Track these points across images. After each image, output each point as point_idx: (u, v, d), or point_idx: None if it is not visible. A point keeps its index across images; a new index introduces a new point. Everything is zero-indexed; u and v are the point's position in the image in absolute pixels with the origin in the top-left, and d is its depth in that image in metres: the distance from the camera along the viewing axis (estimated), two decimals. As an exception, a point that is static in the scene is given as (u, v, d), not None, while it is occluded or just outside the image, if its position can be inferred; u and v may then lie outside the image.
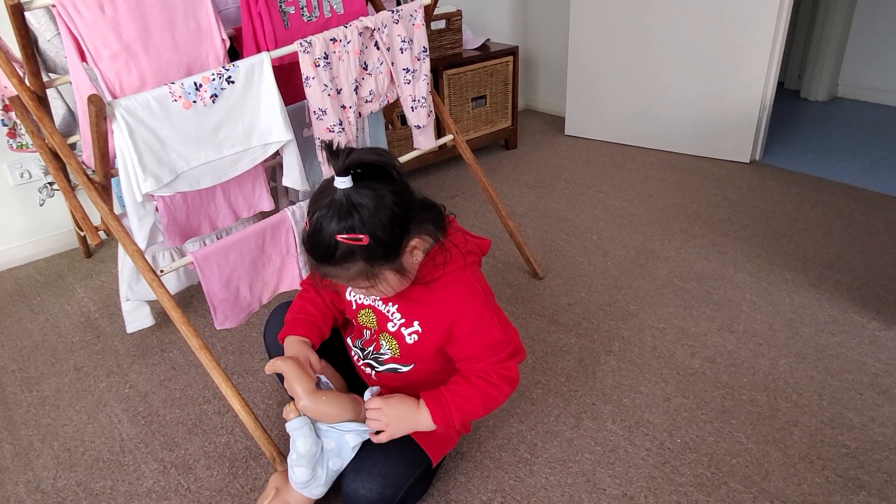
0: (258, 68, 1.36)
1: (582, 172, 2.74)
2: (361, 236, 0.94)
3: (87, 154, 1.36)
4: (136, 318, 1.72)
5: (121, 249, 1.62)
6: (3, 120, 1.74)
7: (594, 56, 2.88)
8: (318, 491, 1.14)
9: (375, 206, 0.95)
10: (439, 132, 2.32)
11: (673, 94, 2.74)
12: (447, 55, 2.63)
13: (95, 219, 1.54)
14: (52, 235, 2.27)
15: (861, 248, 2.05)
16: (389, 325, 1.15)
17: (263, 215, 1.59)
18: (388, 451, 1.13)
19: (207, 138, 1.33)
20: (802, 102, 3.49)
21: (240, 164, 1.40)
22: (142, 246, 1.35)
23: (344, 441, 1.12)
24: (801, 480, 1.25)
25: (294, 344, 1.16)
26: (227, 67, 1.32)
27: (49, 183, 2.07)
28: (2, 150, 2.04)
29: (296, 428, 1.10)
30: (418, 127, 1.76)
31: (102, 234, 1.59)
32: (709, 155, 2.78)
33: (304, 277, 1.56)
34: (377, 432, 1.11)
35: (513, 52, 2.77)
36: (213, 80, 1.30)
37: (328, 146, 0.98)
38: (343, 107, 1.56)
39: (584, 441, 1.37)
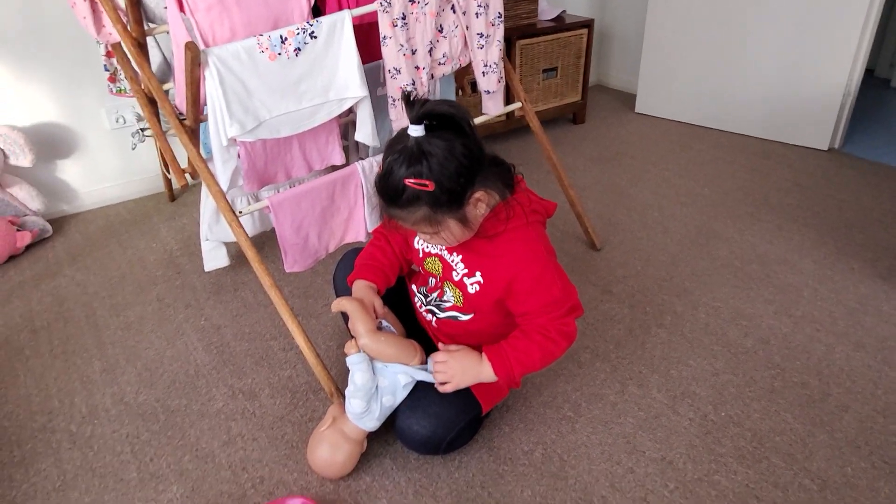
0: (339, 25, 1.43)
1: (649, 150, 2.71)
2: (428, 182, 1.00)
3: (180, 99, 1.47)
4: (214, 257, 1.85)
5: (204, 191, 1.75)
6: (105, 65, 1.89)
7: (671, 33, 2.82)
8: (372, 424, 1.22)
9: (444, 156, 1.00)
10: (508, 100, 2.35)
11: (751, 76, 2.66)
12: (521, 25, 2.64)
13: (182, 162, 1.66)
14: (141, 178, 2.44)
15: (939, 243, 1.97)
16: (453, 275, 1.21)
17: (334, 169, 1.67)
18: (443, 395, 1.20)
19: (289, 90, 1.41)
20: (893, 92, 3.31)
21: (317, 116, 1.48)
22: (224, 187, 1.46)
23: (397, 380, 1.20)
24: (845, 463, 1.25)
25: (361, 288, 1.24)
26: (310, 23, 1.39)
27: (141, 129, 2.22)
28: (101, 96, 2.21)
29: (355, 363, 1.18)
30: (488, 92, 1.80)
31: (188, 178, 1.71)
32: (785, 140, 2.70)
33: (371, 229, 1.65)
34: (443, 383, 1.17)
35: (587, 25, 2.75)
36: (298, 34, 1.37)
37: (406, 96, 1.04)
38: (417, 67, 1.61)
39: (628, 406, 1.41)
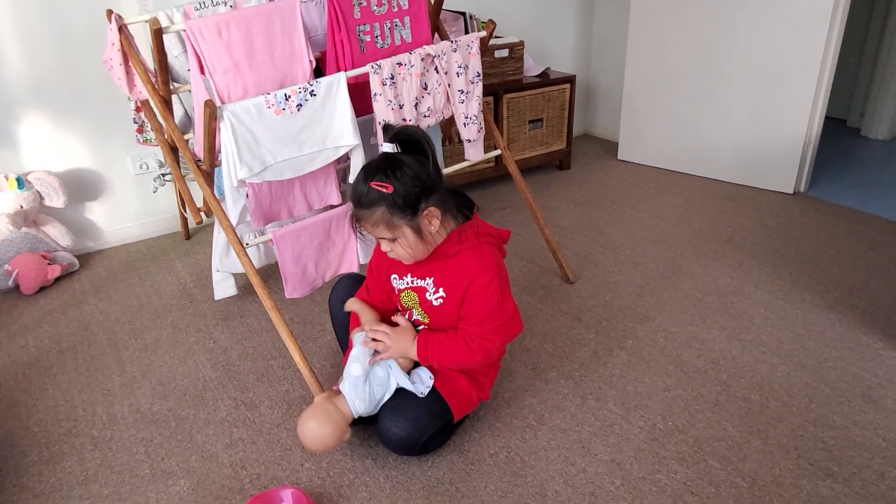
0: (336, 85, 1.67)
1: (628, 194, 2.93)
2: (387, 185, 1.23)
3: (198, 147, 1.71)
4: (223, 287, 2.06)
5: (216, 228, 1.97)
6: (134, 118, 2.15)
7: (647, 85, 3.08)
8: (362, 407, 1.38)
9: (405, 167, 1.25)
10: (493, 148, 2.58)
11: (722, 124, 2.89)
12: (508, 80, 2.91)
13: (198, 202, 1.88)
14: (160, 219, 2.68)
15: (886, 277, 2.14)
16: (426, 295, 1.41)
17: (331, 208, 1.89)
18: (421, 402, 1.40)
19: (291, 139, 1.64)
20: (863, 140, 3.53)
21: (315, 161, 1.71)
22: (234, 222, 1.68)
23: (389, 374, 1.39)
24: (774, 465, 1.41)
25: (364, 309, 1.50)
26: (311, 83, 1.64)
27: (162, 174, 2.47)
28: (127, 145, 2.47)
29: (358, 338, 1.42)
30: (469, 141, 2.03)
31: (203, 216, 1.94)
32: (754, 184, 2.91)
33: (363, 262, 1.85)
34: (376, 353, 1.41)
35: (570, 80, 3.01)
36: (300, 92, 1.62)
37: (385, 126, 1.32)
38: (404, 119, 1.85)
39: (586, 416, 1.58)
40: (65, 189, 2.33)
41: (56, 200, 2.32)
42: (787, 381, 1.67)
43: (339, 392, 1.41)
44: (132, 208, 2.61)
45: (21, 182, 2.22)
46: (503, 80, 2.89)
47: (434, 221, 1.31)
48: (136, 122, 2.18)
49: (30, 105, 2.30)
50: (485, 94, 2.79)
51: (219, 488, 1.41)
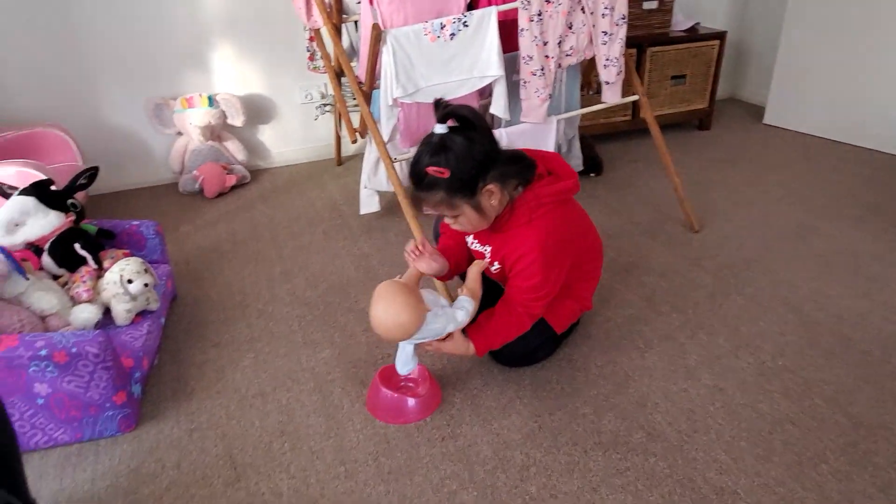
0: (487, 18, 1.81)
1: (770, 157, 2.83)
2: (444, 170, 1.24)
3: (361, 70, 1.93)
4: (369, 203, 2.31)
5: (367, 148, 2.21)
6: (307, 47, 2.43)
7: (806, 46, 2.92)
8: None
9: (461, 150, 1.24)
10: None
11: (886, 90, 2.70)
12: (654, 33, 2.89)
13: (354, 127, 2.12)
14: (318, 146, 3.00)
15: None
16: (485, 261, 1.49)
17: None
18: None
19: (443, 65, 1.82)
20: None
21: (462, 88, 1.87)
22: (385, 138, 1.89)
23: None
24: (885, 412, 1.41)
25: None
26: (464, 15, 1.79)
27: (323, 104, 2.76)
28: (297, 76, 2.79)
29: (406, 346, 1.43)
30: (607, 83, 2.10)
31: (357, 137, 2.18)
32: (916, 157, 2.71)
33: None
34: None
35: (720, 36, 2.94)
36: (454, 22, 1.78)
37: (436, 102, 1.31)
38: (547, 56, 1.96)
39: (694, 347, 1.64)
40: (244, 110, 2.69)
41: (237, 119, 2.68)
42: (916, 342, 1.63)
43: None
44: (296, 134, 2.95)
45: (211, 101, 2.59)
46: (649, 32, 2.88)
47: (493, 197, 1.31)
48: (308, 51, 2.46)
49: (222, 35, 2.65)
50: (628, 45, 2.77)
51: (356, 360, 1.65)
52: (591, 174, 2.68)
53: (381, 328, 1.33)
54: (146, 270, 1.57)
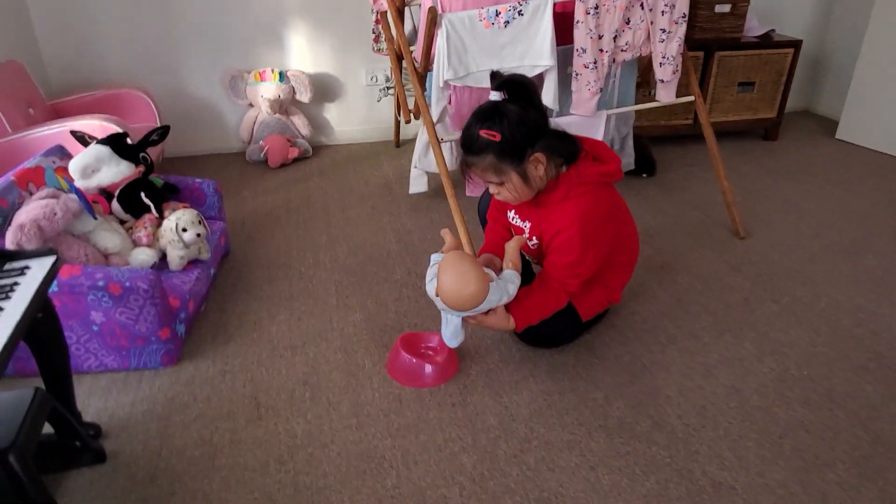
0: (542, 7, 1.85)
1: (835, 172, 2.73)
2: (496, 133, 1.30)
3: (418, 52, 2.01)
4: (418, 183, 2.39)
5: (420, 129, 2.29)
6: (373, 28, 2.54)
7: (887, 58, 2.80)
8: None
9: (513, 116, 1.30)
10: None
11: (970, 112, 2.56)
12: (724, 37, 2.83)
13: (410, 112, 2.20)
14: (378, 127, 3.12)
15: None
16: (524, 236, 1.53)
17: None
18: None
19: (495, 52, 1.87)
20: None
21: (512, 76, 1.92)
22: (435, 118, 1.96)
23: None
24: (908, 430, 1.37)
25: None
26: (520, 3, 1.83)
27: (387, 87, 2.86)
28: (363, 58, 2.90)
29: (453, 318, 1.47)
30: (662, 81, 2.09)
31: (412, 118, 2.26)
32: None
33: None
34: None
35: (795, 44, 2.85)
36: (509, 10, 1.82)
37: (492, 73, 1.36)
38: (601, 50, 1.97)
39: (717, 347, 1.64)
40: (312, 87, 2.82)
41: (304, 96, 2.82)
42: (957, 366, 1.56)
43: None
44: (359, 114, 3.07)
45: (282, 76, 2.74)
46: (718, 35, 2.83)
47: (540, 167, 1.36)
48: (374, 32, 2.56)
49: (298, 14, 2.80)
50: (695, 48, 2.77)
51: (383, 325, 1.73)
52: (644, 175, 2.66)
53: (452, 296, 1.34)
54: (200, 222, 1.70)
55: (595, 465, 1.29)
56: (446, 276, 1.35)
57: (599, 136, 2.13)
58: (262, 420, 1.41)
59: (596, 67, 1.98)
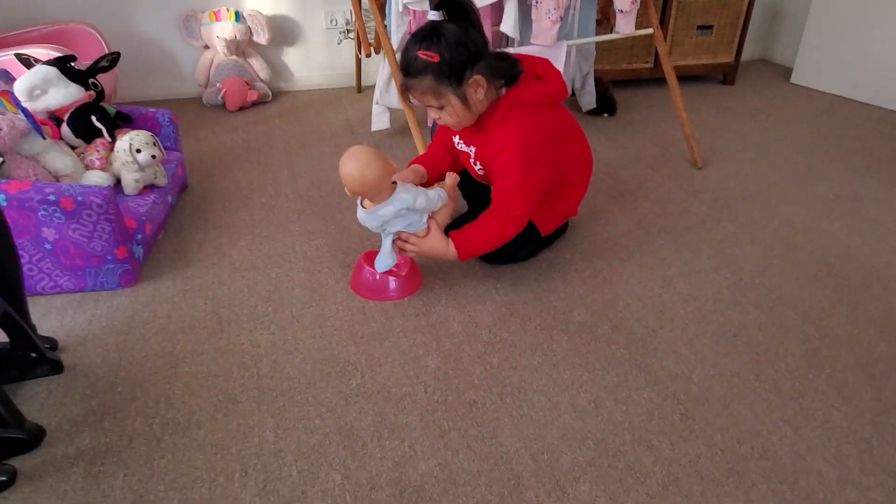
0: (502, -71, 1.84)
1: (790, 112, 2.80)
2: (434, 54, 1.26)
3: (377, -22, 1.98)
4: (380, 120, 2.37)
5: (381, 64, 2.26)
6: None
7: (838, 7, 2.86)
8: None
9: (451, 36, 1.27)
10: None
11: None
12: (682, -20, 2.86)
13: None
14: (340, 73, 3.07)
15: None
16: (470, 161, 1.53)
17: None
18: None
19: (455, -25, 1.85)
20: None
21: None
22: (394, 46, 1.94)
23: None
24: (855, 327, 1.42)
25: (410, 169, 1.58)
26: (480, -76, 1.81)
27: (347, 30, 2.82)
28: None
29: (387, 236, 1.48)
30: (621, 11, 2.10)
31: (371, 52, 2.23)
32: (942, 121, 2.64)
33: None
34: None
35: (751, -13, 2.89)
36: (469, -69, 1.80)
37: None
38: (560, -23, 1.97)
39: (675, 261, 1.67)
40: (270, 28, 2.76)
41: (262, 37, 2.76)
42: (902, 272, 1.63)
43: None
44: (319, 59, 3.01)
45: (238, 16, 2.67)
46: (677, -22, 2.85)
47: (479, 90, 1.33)
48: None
49: (253, -47, 2.72)
50: (655, -11, 2.78)
51: (346, 248, 1.72)
52: (605, 114, 2.68)
53: (355, 180, 1.34)
54: (155, 144, 1.66)
55: (557, 363, 1.31)
56: (349, 159, 1.34)
57: (560, 67, 2.13)
58: (223, 332, 1.40)
59: (556, -6, 1.98)
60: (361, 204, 1.43)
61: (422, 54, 1.28)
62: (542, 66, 1.47)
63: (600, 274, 1.62)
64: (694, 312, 1.47)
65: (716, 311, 1.48)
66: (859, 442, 1.13)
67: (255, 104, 2.80)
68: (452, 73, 1.30)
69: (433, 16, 1.31)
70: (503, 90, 1.39)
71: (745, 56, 3.16)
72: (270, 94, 2.87)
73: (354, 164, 1.33)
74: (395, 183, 1.41)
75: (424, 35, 1.29)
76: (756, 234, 1.81)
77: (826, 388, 1.25)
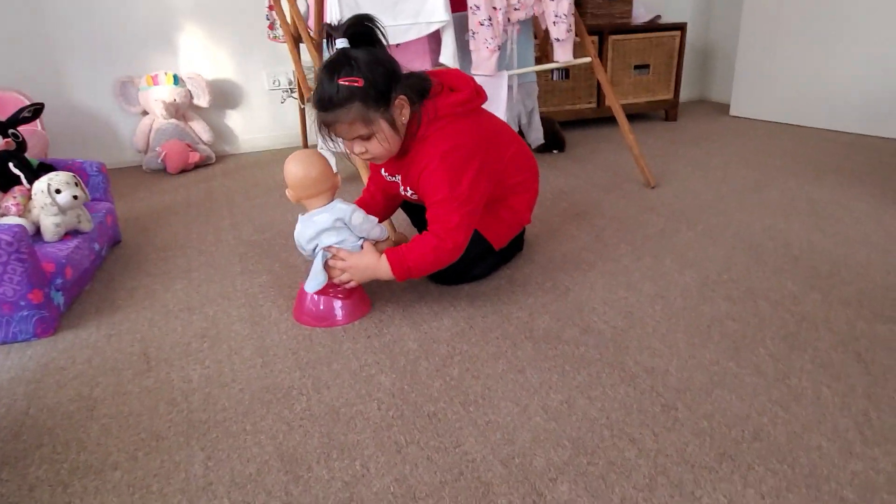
0: (432, -38, 1.87)
1: (732, 139, 2.86)
2: (358, 79, 1.18)
3: (311, 21, 1.97)
4: (325, 166, 2.31)
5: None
6: (266, 15, 2.50)
7: (764, 36, 3.00)
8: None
9: (368, 58, 1.20)
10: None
11: (844, 73, 2.75)
12: (615, 23, 2.97)
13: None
14: (286, 133, 3.04)
15: None
16: (401, 191, 1.48)
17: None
18: None
19: (388, 8, 1.86)
20: None
21: (409, 33, 1.91)
22: (333, 80, 1.90)
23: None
24: (830, 310, 1.35)
25: None
26: (409, -42, 1.84)
27: (290, 88, 2.81)
28: (266, 61, 2.84)
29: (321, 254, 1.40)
30: (558, 40, 2.14)
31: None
32: (880, 133, 2.72)
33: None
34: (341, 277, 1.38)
35: (681, 27, 3.01)
36: (399, -36, 1.83)
37: (329, 25, 1.27)
38: (494, 7, 2.00)
39: (639, 267, 1.60)
40: (211, 91, 2.73)
41: (202, 100, 2.72)
42: (867, 259, 1.58)
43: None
44: (263, 120, 2.98)
45: (177, 79, 2.64)
46: (610, 21, 2.96)
47: (405, 111, 1.28)
48: (267, 19, 2.52)
49: (191, 16, 2.73)
50: (591, 32, 2.87)
51: (292, 283, 1.61)
52: (554, 150, 2.69)
53: (298, 179, 1.34)
54: (77, 184, 1.55)
55: (523, 369, 1.19)
56: (293, 157, 1.35)
57: (503, 98, 2.13)
58: (151, 372, 1.25)
59: (491, 24, 2.00)
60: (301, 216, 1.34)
61: (344, 81, 1.19)
62: (452, 77, 1.42)
63: (562, 285, 1.53)
64: (663, 310, 1.38)
65: (686, 307, 1.39)
66: (856, 415, 1.03)
67: (197, 167, 2.73)
68: (380, 96, 1.23)
69: (341, 42, 1.23)
70: (416, 106, 1.32)
71: (683, 97, 3.26)
72: (214, 156, 2.81)
73: (298, 161, 1.33)
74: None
75: (338, 64, 1.21)
76: (716, 238, 1.76)
77: (811, 368, 1.16)
